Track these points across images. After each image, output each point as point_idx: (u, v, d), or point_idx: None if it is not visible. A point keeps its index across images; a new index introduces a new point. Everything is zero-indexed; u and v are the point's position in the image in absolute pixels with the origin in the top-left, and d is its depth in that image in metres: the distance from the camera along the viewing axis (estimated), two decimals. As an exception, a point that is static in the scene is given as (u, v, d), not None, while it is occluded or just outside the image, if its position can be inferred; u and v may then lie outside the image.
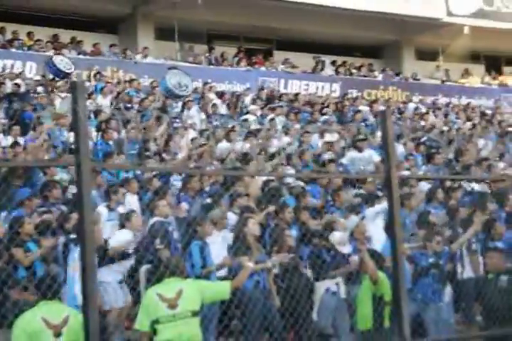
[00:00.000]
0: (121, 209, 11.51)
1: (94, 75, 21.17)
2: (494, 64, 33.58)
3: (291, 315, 9.71)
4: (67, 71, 18.33)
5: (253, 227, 10.15)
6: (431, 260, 10.79)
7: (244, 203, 11.74)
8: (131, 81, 21.24)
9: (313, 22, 27.07)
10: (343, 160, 16.53)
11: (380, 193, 12.89)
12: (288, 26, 27.56)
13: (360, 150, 16.79)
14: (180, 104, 19.14)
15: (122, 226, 10.65)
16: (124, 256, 10.32)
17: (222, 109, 20.73)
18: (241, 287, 8.35)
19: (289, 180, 14.22)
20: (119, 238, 10.42)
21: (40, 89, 18.90)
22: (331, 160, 15.55)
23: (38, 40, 23.34)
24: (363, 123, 20.81)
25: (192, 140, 16.15)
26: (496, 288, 9.43)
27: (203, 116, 19.47)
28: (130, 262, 10.47)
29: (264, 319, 9.73)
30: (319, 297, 10.32)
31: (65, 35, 24.69)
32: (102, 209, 11.39)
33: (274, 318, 9.79)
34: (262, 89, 23.71)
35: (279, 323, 9.79)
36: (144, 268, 10.24)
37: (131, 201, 12.12)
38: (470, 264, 11.80)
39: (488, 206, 13.39)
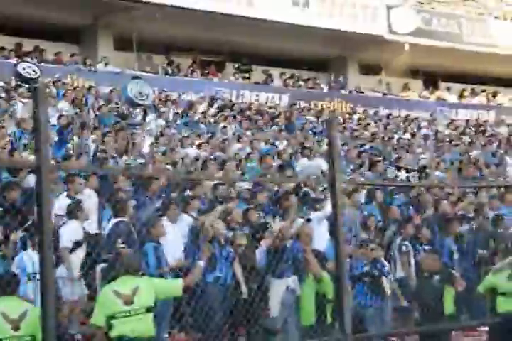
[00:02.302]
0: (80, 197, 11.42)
1: (55, 82, 21.00)
2: (431, 79, 33.97)
3: (240, 311, 9.70)
4: (32, 77, 18.15)
5: (219, 226, 10.15)
6: (365, 268, 10.80)
7: (197, 206, 11.71)
8: (90, 88, 21.10)
9: (265, 37, 27.15)
10: (296, 167, 16.58)
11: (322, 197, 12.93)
12: (241, 40, 27.58)
13: (309, 158, 16.92)
14: (139, 111, 19.02)
15: (70, 216, 10.57)
16: (75, 246, 10.28)
17: (178, 117, 20.67)
18: (192, 285, 8.29)
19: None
20: (73, 232, 10.38)
21: (3, 94, 18.70)
22: (289, 165, 15.60)
23: (2, 48, 23.07)
24: (310, 132, 20.93)
25: (148, 145, 16.08)
26: (429, 287, 9.53)
27: (160, 122, 19.39)
28: (83, 252, 10.38)
29: (223, 314, 9.73)
30: (279, 294, 10.28)
31: (28, 44, 24.45)
32: (63, 199, 11.29)
33: (225, 313, 9.80)
34: (215, 98, 23.68)
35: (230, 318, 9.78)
36: (99, 267, 10.14)
37: (89, 198, 11.98)
38: (401, 265, 11.92)
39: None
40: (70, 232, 10.39)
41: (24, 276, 9.25)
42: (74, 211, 10.57)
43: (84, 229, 10.69)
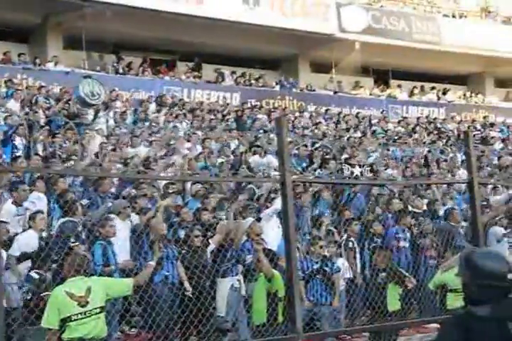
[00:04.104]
0: (27, 204, 11.29)
1: (5, 82, 20.75)
2: (382, 77, 34.24)
3: (190, 311, 9.65)
4: None
5: (159, 226, 10.09)
6: (316, 266, 10.81)
7: (144, 204, 11.65)
8: (40, 88, 20.87)
9: (216, 35, 27.11)
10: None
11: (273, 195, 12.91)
12: (192, 39, 27.49)
13: (260, 155, 16.93)
14: (90, 110, 18.84)
15: (29, 226, 10.47)
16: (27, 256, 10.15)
17: (128, 116, 20.53)
18: (143, 283, 8.22)
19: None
20: (25, 241, 10.19)
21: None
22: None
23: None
24: (261, 131, 20.94)
25: (99, 145, 15.95)
26: (375, 284, 9.61)
27: (110, 122, 19.25)
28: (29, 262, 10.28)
29: (172, 313, 9.71)
30: (225, 293, 10.26)
31: (-23, 44, 24.19)
32: (9, 205, 11.14)
33: (176, 313, 9.78)
34: (165, 97, 23.56)
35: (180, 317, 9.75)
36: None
37: (39, 201, 11.83)
38: (347, 263, 11.88)
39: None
40: (22, 241, 10.23)
41: None
42: (30, 221, 10.46)
43: (41, 238, 10.52)
